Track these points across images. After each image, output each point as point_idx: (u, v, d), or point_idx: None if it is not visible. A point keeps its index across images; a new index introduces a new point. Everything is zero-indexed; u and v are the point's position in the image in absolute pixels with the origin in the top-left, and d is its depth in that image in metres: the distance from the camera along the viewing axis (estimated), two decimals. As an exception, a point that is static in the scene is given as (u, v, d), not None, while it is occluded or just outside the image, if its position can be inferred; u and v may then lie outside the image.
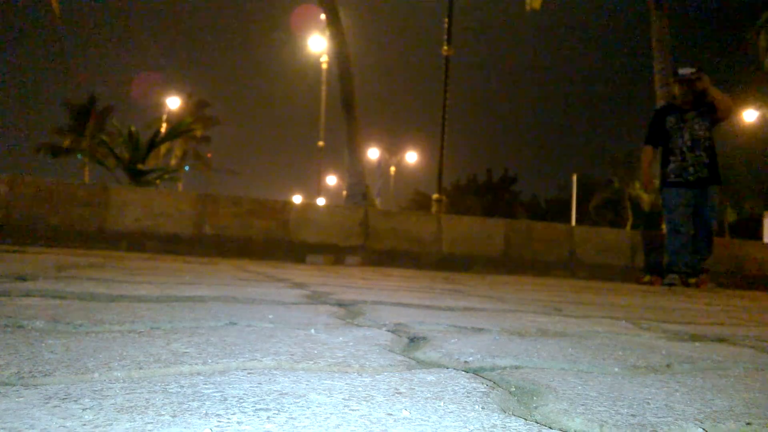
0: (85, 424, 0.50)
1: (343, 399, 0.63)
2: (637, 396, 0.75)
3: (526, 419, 0.62)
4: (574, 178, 39.94)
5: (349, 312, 1.48)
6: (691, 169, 5.50)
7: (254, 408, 0.57)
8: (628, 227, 40.20)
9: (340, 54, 9.87)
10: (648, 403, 0.72)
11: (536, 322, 1.55)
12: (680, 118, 5.57)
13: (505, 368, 0.89)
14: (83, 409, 0.54)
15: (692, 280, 5.44)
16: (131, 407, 0.55)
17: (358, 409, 0.60)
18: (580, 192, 41.74)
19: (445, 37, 8.98)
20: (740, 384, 0.89)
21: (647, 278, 5.67)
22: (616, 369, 0.95)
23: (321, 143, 18.61)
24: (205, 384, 0.66)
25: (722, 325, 1.89)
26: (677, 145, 5.54)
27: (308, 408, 0.59)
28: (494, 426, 0.58)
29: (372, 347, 0.97)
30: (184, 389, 0.63)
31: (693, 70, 5.44)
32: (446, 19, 9.07)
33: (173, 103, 33.43)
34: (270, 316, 1.26)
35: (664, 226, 9.46)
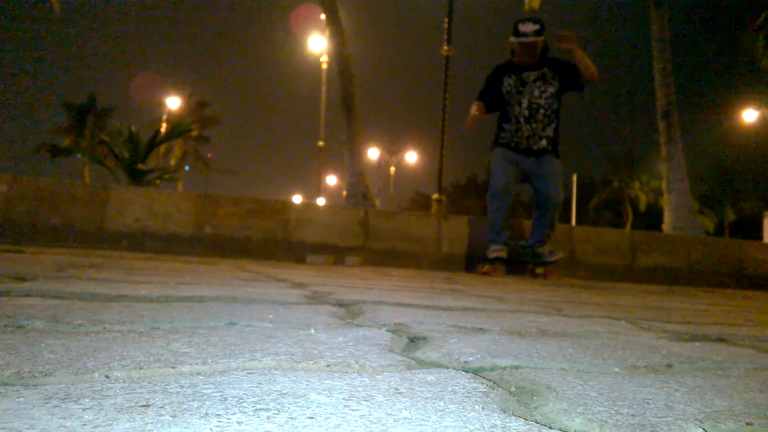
0: (85, 424, 0.50)
1: (343, 399, 0.63)
2: (637, 396, 0.75)
3: (526, 419, 0.62)
4: (574, 178, 39.98)
5: (349, 312, 1.48)
6: (524, 141, 4.86)
7: (254, 408, 0.57)
8: (628, 227, 40.24)
9: (340, 54, 9.87)
10: (648, 403, 0.72)
11: (536, 322, 1.55)
12: (519, 80, 4.84)
13: (505, 368, 0.89)
14: (83, 409, 0.54)
15: (539, 270, 5.00)
16: (131, 407, 0.55)
17: (358, 409, 0.60)
18: (580, 192, 41.78)
19: (445, 37, 8.98)
20: (740, 384, 0.89)
21: (486, 267, 5.03)
22: (616, 369, 0.95)
23: (321, 143, 18.61)
24: (205, 384, 0.66)
25: (722, 325, 1.88)
26: (514, 113, 4.86)
27: (308, 408, 0.59)
28: (494, 426, 0.58)
29: (372, 347, 0.97)
30: (184, 389, 0.63)
31: (536, 27, 4.72)
32: (446, 19, 9.07)
33: (173, 103, 33.45)
34: (270, 316, 1.26)
35: (663, 227, 9.46)
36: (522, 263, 5.36)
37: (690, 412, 0.69)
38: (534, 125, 4.83)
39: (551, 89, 4.82)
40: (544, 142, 4.84)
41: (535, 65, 4.86)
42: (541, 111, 4.82)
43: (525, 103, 4.83)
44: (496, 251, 4.93)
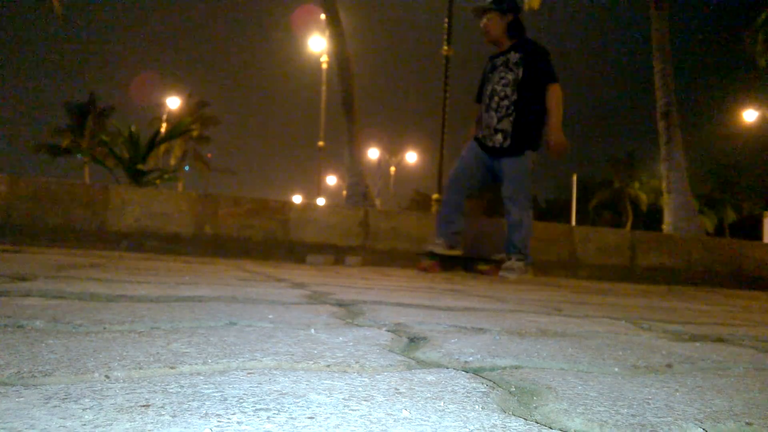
0: (85, 424, 0.50)
1: (343, 399, 0.63)
2: (637, 396, 0.75)
3: (526, 419, 0.62)
4: (574, 178, 39.99)
5: (349, 312, 1.48)
6: (486, 131, 4.44)
7: (254, 408, 0.57)
8: (628, 227, 40.26)
9: (340, 54, 9.87)
10: (648, 403, 0.72)
11: (536, 322, 1.55)
12: (491, 65, 4.50)
13: (505, 368, 0.89)
14: (83, 409, 0.54)
15: (483, 267, 4.69)
16: (131, 407, 0.55)
17: (358, 409, 0.60)
18: (580, 192, 41.79)
19: (445, 37, 8.98)
20: (740, 384, 0.89)
21: (427, 262, 4.61)
22: (616, 369, 0.95)
23: (321, 143, 18.61)
24: (205, 384, 0.66)
25: (722, 325, 1.88)
26: (483, 100, 4.53)
27: (308, 408, 0.59)
28: (494, 426, 0.58)
29: (372, 347, 0.97)
30: (184, 389, 0.63)
31: (484, 4, 4.43)
32: (446, 19, 9.06)
33: (173, 103, 33.53)
34: (270, 316, 1.26)
35: (663, 227, 9.45)
36: (467, 259, 4.96)
37: (690, 412, 0.69)
38: (490, 113, 4.42)
39: (510, 76, 4.34)
40: (499, 137, 4.36)
41: (511, 47, 4.46)
42: (495, 98, 4.38)
43: (489, 89, 4.47)
44: (434, 245, 4.58)
